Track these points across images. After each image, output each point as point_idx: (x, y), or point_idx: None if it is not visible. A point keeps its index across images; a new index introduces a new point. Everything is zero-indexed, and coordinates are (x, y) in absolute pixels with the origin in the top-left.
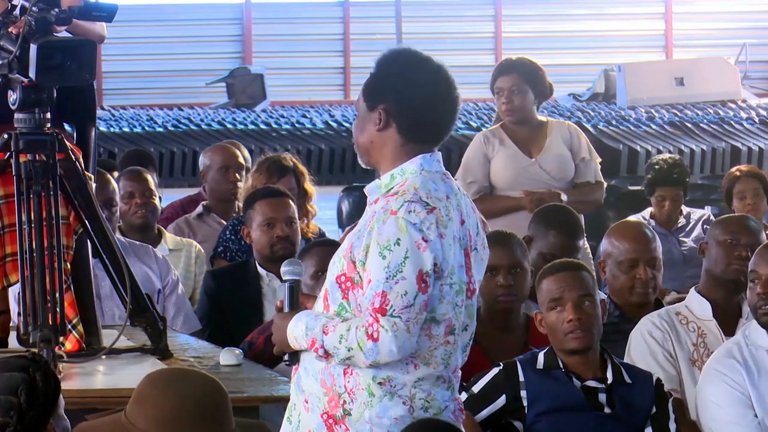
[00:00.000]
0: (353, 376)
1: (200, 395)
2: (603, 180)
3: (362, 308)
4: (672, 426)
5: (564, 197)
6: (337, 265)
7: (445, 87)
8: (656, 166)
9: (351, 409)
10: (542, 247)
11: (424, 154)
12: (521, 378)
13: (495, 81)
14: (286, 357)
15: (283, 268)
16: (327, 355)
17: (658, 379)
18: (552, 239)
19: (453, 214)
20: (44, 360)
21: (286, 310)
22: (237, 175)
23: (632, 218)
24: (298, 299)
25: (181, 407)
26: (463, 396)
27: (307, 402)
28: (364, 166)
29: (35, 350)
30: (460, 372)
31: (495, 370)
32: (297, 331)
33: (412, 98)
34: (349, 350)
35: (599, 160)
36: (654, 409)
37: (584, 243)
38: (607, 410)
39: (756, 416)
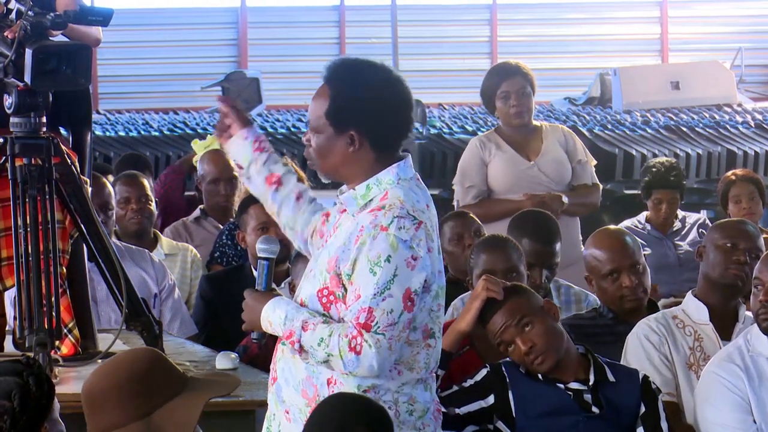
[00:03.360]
0: (337, 386)
1: (129, 368)
2: (599, 182)
3: (345, 320)
4: (664, 425)
5: (565, 200)
6: (318, 278)
7: (401, 88)
8: (653, 169)
9: None
10: None
11: (398, 162)
12: (507, 379)
13: (499, 85)
14: (254, 334)
15: (259, 245)
16: (302, 350)
17: (645, 376)
18: (526, 246)
19: (434, 220)
20: (38, 364)
21: (261, 288)
22: (228, 187)
23: (611, 226)
24: (272, 278)
25: (113, 385)
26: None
27: (288, 413)
28: (326, 181)
29: (30, 354)
30: (435, 373)
31: (483, 371)
32: (274, 317)
33: (380, 114)
34: (328, 355)
35: (594, 162)
36: (643, 408)
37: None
38: (595, 410)
39: (755, 422)
